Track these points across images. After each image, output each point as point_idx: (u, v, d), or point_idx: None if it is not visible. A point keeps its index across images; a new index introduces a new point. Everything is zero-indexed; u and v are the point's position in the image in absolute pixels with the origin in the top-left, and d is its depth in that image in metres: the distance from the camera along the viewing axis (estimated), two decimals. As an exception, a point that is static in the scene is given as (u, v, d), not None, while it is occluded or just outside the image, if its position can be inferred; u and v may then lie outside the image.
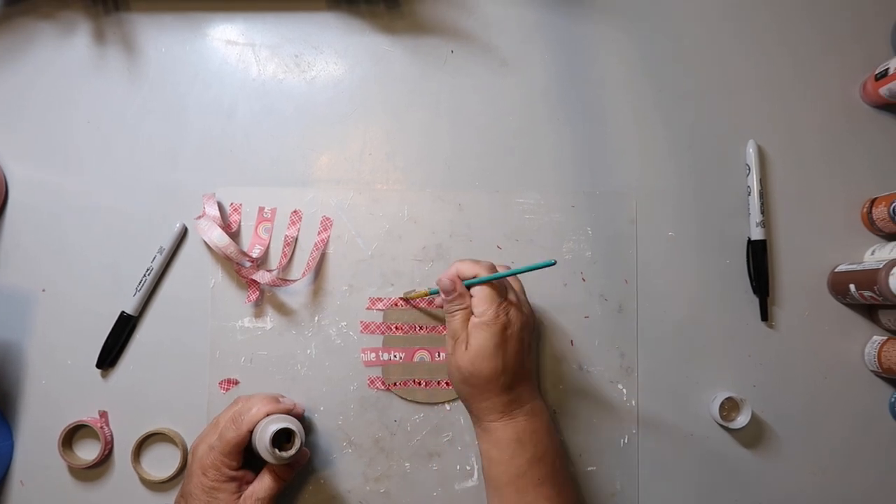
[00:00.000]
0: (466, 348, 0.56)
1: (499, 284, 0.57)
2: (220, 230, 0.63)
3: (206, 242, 0.64)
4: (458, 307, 0.57)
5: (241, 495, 0.58)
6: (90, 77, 0.68)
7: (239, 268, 0.65)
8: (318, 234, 0.67)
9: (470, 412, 0.59)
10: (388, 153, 0.68)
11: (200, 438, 0.60)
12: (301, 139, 0.68)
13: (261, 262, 0.66)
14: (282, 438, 0.57)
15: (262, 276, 0.64)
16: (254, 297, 0.65)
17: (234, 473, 0.58)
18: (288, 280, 0.65)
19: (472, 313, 0.56)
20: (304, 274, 0.65)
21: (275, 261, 0.67)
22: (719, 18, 0.70)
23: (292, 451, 0.56)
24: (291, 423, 0.57)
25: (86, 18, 0.69)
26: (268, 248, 0.67)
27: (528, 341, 0.59)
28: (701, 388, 0.66)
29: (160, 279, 0.66)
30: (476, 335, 0.55)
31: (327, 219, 0.67)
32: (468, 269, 0.57)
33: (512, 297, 0.57)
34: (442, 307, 0.61)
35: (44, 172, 0.68)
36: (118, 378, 0.66)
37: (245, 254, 0.64)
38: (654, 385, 0.66)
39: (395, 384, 0.65)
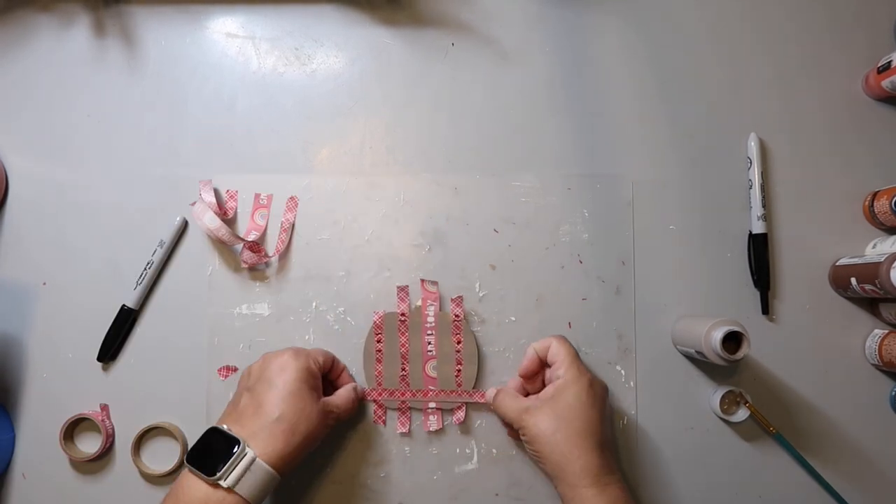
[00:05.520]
0: (547, 410, 0.56)
1: (573, 348, 0.61)
2: (211, 213, 0.63)
3: (201, 228, 0.64)
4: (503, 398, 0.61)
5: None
6: (90, 70, 0.68)
7: (242, 256, 0.66)
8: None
9: (559, 481, 0.55)
10: (389, 146, 0.68)
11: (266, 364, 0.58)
12: (301, 132, 0.68)
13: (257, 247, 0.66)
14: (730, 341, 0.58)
15: (249, 258, 0.65)
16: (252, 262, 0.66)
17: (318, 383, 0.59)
18: (267, 256, 0.66)
19: (549, 381, 0.60)
20: (276, 251, 0.66)
21: (272, 247, 0.67)
22: (722, 10, 0.69)
23: (740, 355, 0.57)
24: (738, 327, 0.58)
25: (85, 11, 0.69)
26: (264, 234, 0.67)
27: (608, 407, 0.60)
28: (701, 381, 0.66)
29: (161, 273, 0.66)
30: (564, 395, 0.56)
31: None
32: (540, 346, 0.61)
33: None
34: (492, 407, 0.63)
35: (44, 166, 0.67)
36: (119, 371, 0.66)
37: (238, 236, 0.64)
38: (654, 374, 0.66)
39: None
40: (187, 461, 0.52)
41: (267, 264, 0.66)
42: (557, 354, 0.59)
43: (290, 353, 0.58)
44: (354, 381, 0.64)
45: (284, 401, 0.54)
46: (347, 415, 0.61)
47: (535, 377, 0.62)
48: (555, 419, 0.55)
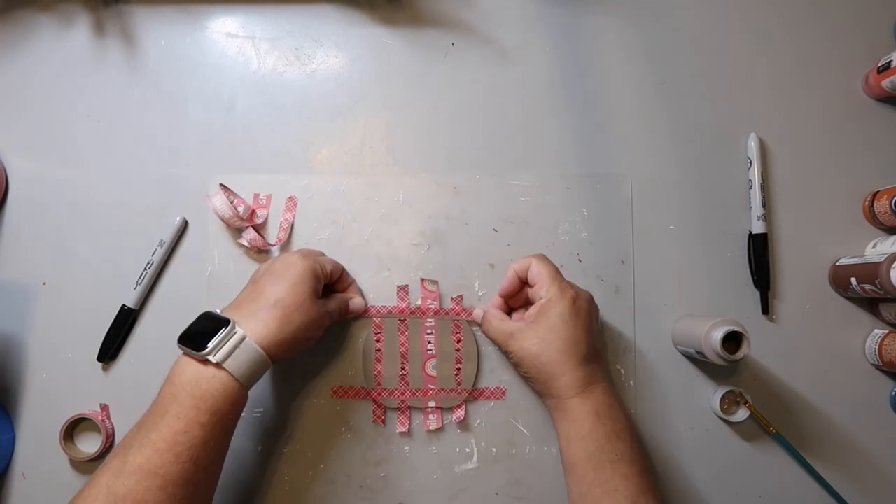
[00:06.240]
0: (530, 333, 0.57)
1: (553, 266, 0.60)
2: (223, 196, 0.64)
3: (211, 207, 0.65)
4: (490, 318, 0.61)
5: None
6: (90, 70, 0.68)
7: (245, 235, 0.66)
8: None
9: (546, 396, 0.58)
10: (389, 146, 0.68)
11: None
12: (301, 132, 0.68)
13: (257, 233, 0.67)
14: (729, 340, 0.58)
15: (248, 233, 0.65)
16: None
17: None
18: (268, 244, 0.66)
19: (532, 301, 0.59)
20: (278, 241, 0.66)
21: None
22: (722, 10, 0.69)
23: (740, 355, 0.57)
24: (738, 327, 0.58)
25: (85, 10, 0.69)
26: (263, 231, 0.67)
27: (596, 318, 0.60)
28: (701, 381, 0.66)
29: (161, 273, 0.67)
30: (546, 315, 0.56)
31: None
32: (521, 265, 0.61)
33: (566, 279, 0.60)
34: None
35: (44, 166, 0.67)
36: (119, 371, 0.66)
37: (243, 219, 0.65)
38: (654, 374, 0.66)
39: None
40: (178, 342, 0.51)
41: (268, 252, 0.66)
42: (538, 275, 0.59)
43: (299, 253, 0.60)
44: (362, 297, 0.65)
45: (284, 290, 0.55)
46: (340, 317, 0.62)
47: (518, 296, 0.63)
48: (538, 342, 0.56)
